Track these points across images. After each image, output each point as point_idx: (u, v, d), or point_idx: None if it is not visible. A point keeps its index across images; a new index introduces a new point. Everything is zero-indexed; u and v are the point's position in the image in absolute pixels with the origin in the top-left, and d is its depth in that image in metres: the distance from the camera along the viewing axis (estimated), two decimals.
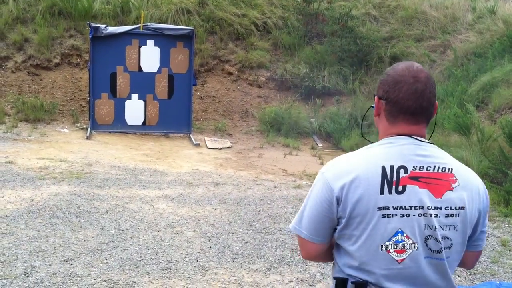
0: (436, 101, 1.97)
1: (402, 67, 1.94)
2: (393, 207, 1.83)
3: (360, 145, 2.02)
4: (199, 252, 5.40)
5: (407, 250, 1.84)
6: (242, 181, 8.47)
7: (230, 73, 14.25)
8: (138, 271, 4.84)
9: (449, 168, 1.90)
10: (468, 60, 12.64)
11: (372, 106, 2.04)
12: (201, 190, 7.83)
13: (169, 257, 5.21)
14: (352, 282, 1.91)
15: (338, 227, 1.91)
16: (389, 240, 1.84)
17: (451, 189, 1.88)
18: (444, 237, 1.87)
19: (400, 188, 1.84)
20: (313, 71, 14.11)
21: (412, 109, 1.90)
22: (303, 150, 11.69)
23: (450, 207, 1.87)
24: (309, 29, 15.11)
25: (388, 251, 1.84)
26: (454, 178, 1.90)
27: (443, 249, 1.87)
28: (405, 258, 1.85)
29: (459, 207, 1.88)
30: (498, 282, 4.98)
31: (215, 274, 4.91)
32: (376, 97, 2.00)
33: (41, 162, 8.75)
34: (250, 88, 14.14)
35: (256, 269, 5.08)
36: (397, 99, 1.90)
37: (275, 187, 8.28)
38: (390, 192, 1.83)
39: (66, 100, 12.59)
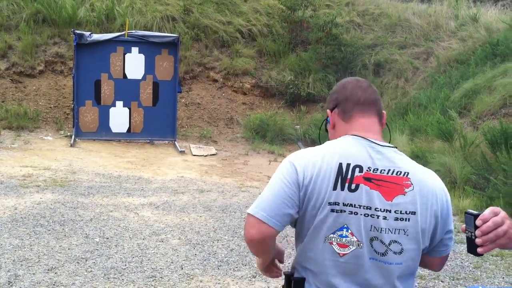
0: (384, 111, 2.09)
1: (345, 79, 2.17)
2: (343, 203, 1.85)
3: None
4: (184, 260, 5.39)
5: (350, 247, 1.86)
6: (227, 188, 8.47)
7: (215, 80, 14.27)
8: (123, 279, 4.83)
9: (404, 172, 1.91)
10: (450, 67, 12.78)
11: (327, 120, 2.13)
12: (186, 197, 7.82)
13: (154, 265, 5.20)
14: (292, 278, 1.96)
15: (297, 217, 1.92)
16: (333, 233, 1.86)
17: (404, 193, 1.89)
18: (393, 241, 1.86)
19: (353, 186, 1.86)
20: (298, 78, 14.18)
21: (362, 99, 2.02)
22: None
23: (400, 211, 1.87)
24: (294, 36, 15.19)
25: (331, 243, 1.87)
26: (409, 182, 1.90)
27: (389, 252, 1.87)
28: (347, 253, 1.86)
29: (409, 212, 1.88)
30: (481, 287, 5.04)
31: (201, 281, 4.91)
32: (328, 111, 2.10)
33: (25, 170, 8.70)
34: (235, 95, 14.17)
35: (242, 276, 5.08)
36: (346, 96, 2.05)
37: (260, 194, 8.28)
38: (342, 189, 1.85)
39: (50, 107, 12.52)
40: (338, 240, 1.86)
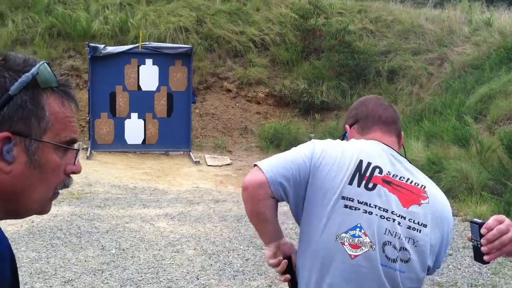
0: (402, 132, 2.10)
1: (365, 97, 2.20)
2: (358, 200, 1.82)
3: None
4: (200, 270, 5.40)
5: (362, 247, 1.80)
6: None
7: (229, 90, 14.31)
8: None
9: (422, 185, 1.91)
10: (465, 72, 12.69)
11: (345, 135, 2.12)
12: (201, 207, 7.83)
13: (170, 276, 5.21)
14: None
15: (305, 199, 1.86)
16: (346, 232, 1.81)
17: (419, 204, 1.87)
18: (403, 248, 1.82)
19: (370, 185, 1.84)
20: (311, 86, 14.16)
21: (384, 118, 2.03)
22: None
23: (414, 221, 1.85)
24: (307, 44, 15.20)
25: (343, 243, 1.80)
26: (425, 195, 1.90)
27: (398, 259, 1.82)
28: (359, 255, 1.80)
29: (421, 223, 1.85)
30: None
31: None
32: (347, 126, 2.11)
33: None
34: (249, 105, 14.19)
35: (257, 286, 5.07)
36: (367, 113, 2.05)
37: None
38: (359, 186, 1.83)
39: None
40: (351, 240, 1.80)
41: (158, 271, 5.31)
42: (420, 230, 1.84)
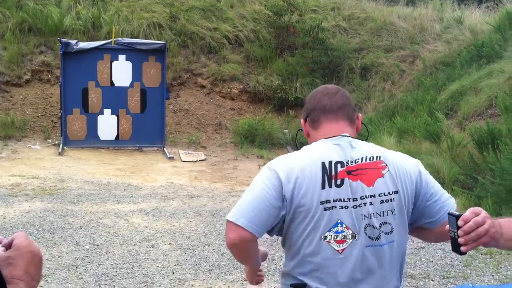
0: (359, 113, 2.17)
1: (316, 89, 2.25)
2: (333, 199, 1.92)
3: None
4: (175, 265, 5.39)
5: (347, 240, 1.93)
6: (217, 193, 8.47)
7: (203, 86, 14.28)
8: (114, 285, 4.82)
9: (376, 156, 2.01)
10: (436, 69, 12.87)
11: (301, 129, 2.22)
12: (176, 203, 7.81)
13: (145, 271, 5.19)
14: (290, 285, 2.00)
15: (285, 224, 1.97)
16: (329, 231, 1.92)
17: (382, 176, 1.98)
18: (383, 223, 1.96)
19: (338, 182, 1.94)
20: (285, 82, 14.21)
21: (328, 107, 2.08)
22: None
23: (384, 193, 1.97)
24: (281, 41, 15.23)
25: (329, 242, 1.92)
26: (383, 164, 2.00)
27: (382, 234, 1.95)
28: (345, 248, 1.92)
29: (392, 192, 1.98)
30: (471, 285, 5.07)
31: (192, 286, 4.91)
32: (302, 121, 2.18)
33: (13, 179, 8.65)
34: (223, 101, 14.18)
35: (233, 280, 5.09)
36: (314, 105, 2.11)
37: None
38: (330, 186, 1.93)
39: (37, 116, 12.47)
40: (335, 237, 1.92)
41: (133, 266, 5.29)
42: (393, 199, 1.97)
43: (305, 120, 2.16)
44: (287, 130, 13.23)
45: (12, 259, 1.14)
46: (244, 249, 2.00)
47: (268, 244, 5.74)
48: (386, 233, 1.96)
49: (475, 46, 12.28)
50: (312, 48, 14.56)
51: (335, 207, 1.92)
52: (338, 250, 1.92)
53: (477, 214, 1.73)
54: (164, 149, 11.88)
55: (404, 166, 2.03)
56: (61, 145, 11.35)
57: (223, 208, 7.60)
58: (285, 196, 1.91)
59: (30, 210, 7.01)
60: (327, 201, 1.91)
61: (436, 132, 9.36)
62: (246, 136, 12.77)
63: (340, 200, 1.92)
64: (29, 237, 1.22)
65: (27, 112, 12.45)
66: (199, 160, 11.40)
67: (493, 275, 5.40)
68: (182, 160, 11.29)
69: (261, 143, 12.59)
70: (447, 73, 12.20)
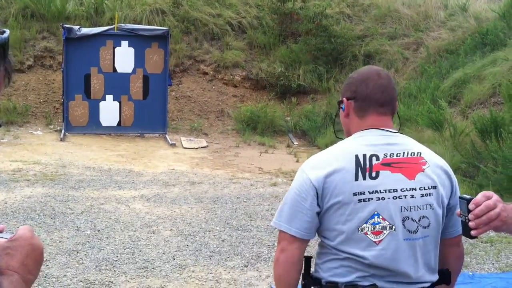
0: (397, 103, 2.18)
1: (365, 69, 2.19)
2: (368, 191, 1.93)
3: (335, 142, 2.14)
4: (176, 251, 5.40)
5: (384, 232, 1.93)
6: (218, 180, 8.47)
7: (205, 73, 14.23)
8: (114, 270, 4.83)
9: (417, 153, 2.03)
10: (440, 57, 12.80)
11: (342, 108, 2.15)
12: (177, 189, 7.82)
13: (146, 256, 5.20)
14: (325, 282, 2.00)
15: (320, 219, 1.99)
16: (366, 222, 1.92)
17: (423, 171, 2.00)
18: (422, 217, 1.97)
19: (373, 174, 1.94)
20: (288, 70, 14.16)
21: (382, 101, 2.07)
22: (279, 148, 11.73)
23: (424, 187, 1.98)
24: (284, 28, 15.15)
25: (366, 233, 1.93)
26: (424, 160, 2.02)
27: (419, 228, 1.97)
28: (382, 239, 1.93)
29: (431, 187, 2.00)
30: (471, 273, 5.08)
31: (193, 272, 4.92)
32: (344, 99, 2.13)
33: (15, 164, 8.66)
34: (226, 88, 14.15)
35: (233, 266, 5.09)
36: (366, 94, 2.07)
37: (251, 185, 8.30)
38: (364, 178, 1.93)
39: (40, 102, 12.46)
40: (372, 228, 1.93)
41: (134, 252, 5.30)
42: (432, 194, 1.99)
43: (350, 101, 2.10)
44: (289, 118, 13.20)
45: (11, 250, 1.12)
46: (290, 278, 2.04)
47: (270, 232, 5.74)
48: (423, 227, 1.97)
49: (479, 34, 12.19)
50: (315, 35, 14.48)
51: (372, 199, 1.93)
52: (375, 242, 1.93)
53: (488, 198, 1.73)
54: (166, 135, 11.87)
55: (442, 166, 2.07)
56: (63, 131, 11.35)
57: (224, 194, 7.61)
58: (318, 195, 1.95)
59: (32, 195, 7.02)
60: (362, 193, 1.92)
61: (439, 120, 9.32)
62: (248, 123, 12.75)
63: (376, 191, 1.93)
64: (33, 231, 1.20)
65: (29, 98, 12.45)
66: (201, 147, 11.40)
67: (493, 263, 5.40)
68: (184, 146, 11.28)
69: (263, 130, 12.58)
70: (451, 61, 12.13)
